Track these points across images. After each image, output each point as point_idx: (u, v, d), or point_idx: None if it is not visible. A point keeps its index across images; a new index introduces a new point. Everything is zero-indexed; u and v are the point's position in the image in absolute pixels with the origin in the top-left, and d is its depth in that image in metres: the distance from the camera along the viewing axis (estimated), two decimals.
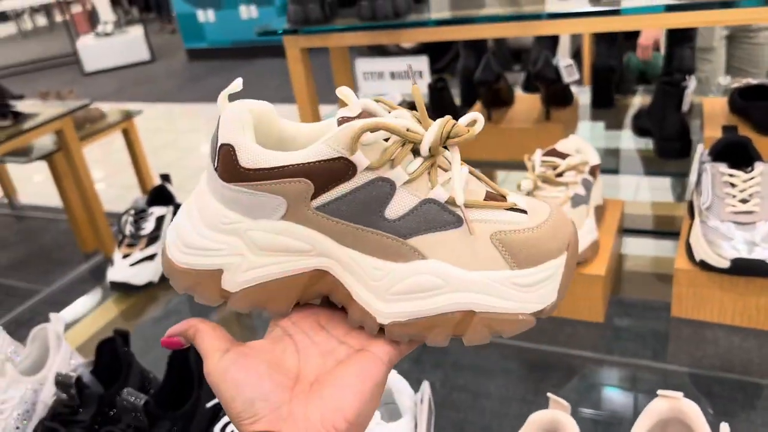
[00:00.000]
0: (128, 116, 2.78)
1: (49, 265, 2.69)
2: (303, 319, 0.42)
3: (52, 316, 0.88)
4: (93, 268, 2.58)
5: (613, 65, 1.56)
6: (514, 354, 0.95)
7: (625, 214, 1.13)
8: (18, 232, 3.08)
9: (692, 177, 0.95)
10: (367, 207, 0.38)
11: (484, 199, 0.40)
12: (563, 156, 0.96)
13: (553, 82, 1.39)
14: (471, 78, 1.58)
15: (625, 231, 1.14)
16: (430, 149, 0.38)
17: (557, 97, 1.44)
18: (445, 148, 0.39)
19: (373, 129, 0.37)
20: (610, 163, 1.41)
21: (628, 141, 1.53)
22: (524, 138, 1.40)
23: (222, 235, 0.40)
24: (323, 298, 0.43)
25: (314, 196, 0.38)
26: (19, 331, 1.30)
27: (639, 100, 1.69)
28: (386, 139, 0.38)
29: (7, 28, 10.27)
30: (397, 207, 0.38)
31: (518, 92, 1.64)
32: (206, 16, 6.19)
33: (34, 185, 3.63)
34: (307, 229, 0.39)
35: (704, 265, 0.85)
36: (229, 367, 0.38)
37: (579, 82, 1.74)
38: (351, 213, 0.38)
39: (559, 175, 0.94)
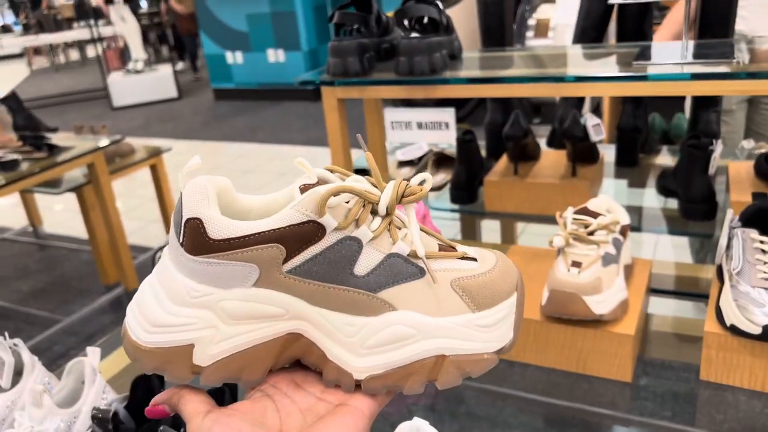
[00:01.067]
0: (157, 153, 2.85)
1: (69, 295, 2.73)
2: (280, 381, 0.42)
3: (89, 350, 0.90)
4: (113, 300, 2.62)
5: (639, 125, 1.59)
6: (530, 407, 0.95)
7: (652, 273, 1.14)
8: (40, 261, 3.13)
9: (722, 241, 0.96)
10: (337, 265, 0.40)
11: (438, 251, 0.43)
12: (595, 215, 0.98)
13: (580, 139, 1.42)
14: (498, 131, 1.61)
15: (652, 290, 1.15)
16: (387, 208, 0.41)
17: (584, 154, 1.47)
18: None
19: (338, 192, 0.39)
20: (633, 220, 1.42)
21: (651, 199, 1.55)
22: (550, 193, 1.43)
23: (191, 309, 0.40)
24: (296, 362, 0.44)
25: (285, 260, 0.39)
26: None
27: (662, 160, 1.71)
28: (347, 202, 0.40)
29: (41, 62, 10.60)
30: (365, 263, 0.40)
31: (543, 147, 1.67)
32: (234, 57, 6.37)
33: (57, 215, 3.69)
34: (279, 294, 0.40)
35: (735, 330, 0.85)
36: (213, 427, 0.38)
37: (601, 141, 1.77)
38: (322, 273, 0.40)
39: (591, 233, 0.96)
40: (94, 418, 0.77)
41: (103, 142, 2.41)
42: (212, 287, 0.40)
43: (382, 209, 0.41)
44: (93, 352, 0.89)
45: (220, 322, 0.40)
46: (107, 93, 6.71)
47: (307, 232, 0.39)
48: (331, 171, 0.42)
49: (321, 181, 0.41)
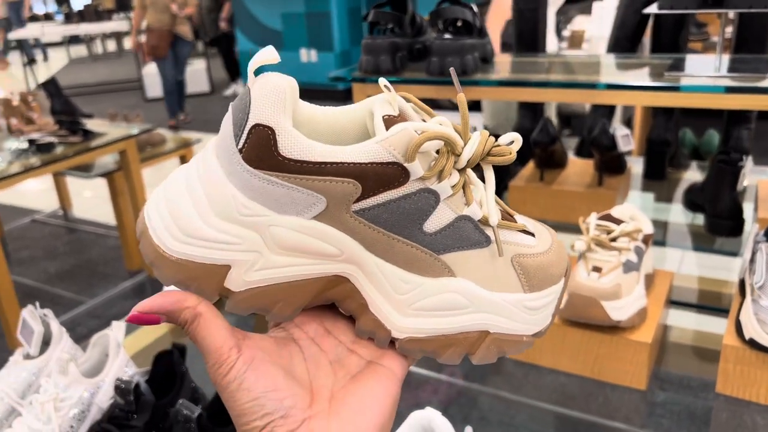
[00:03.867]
0: (187, 144, 2.90)
1: (94, 279, 2.79)
2: (306, 322, 0.39)
3: (114, 324, 0.92)
4: (136, 286, 2.66)
5: (669, 139, 1.58)
6: (543, 416, 0.95)
7: (674, 286, 1.13)
8: (68, 243, 3.20)
9: (746, 255, 0.96)
10: (409, 217, 0.36)
11: (501, 219, 0.39)
12: (618, 222, 0.98)
13: (608, 149, 1.41)
14: (526, 138, 1.62)
15: (672, 302, 1.14)
16: (468, 162, 0.36)
17: (611, 164, 1.47)
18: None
19: (433, 138, 0.35)
20: (658, 235, 1.42)
21: (677, 214, 1.54)
22: (575, 201, 1.42)
23: (238, 228, 0.35)
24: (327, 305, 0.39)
25: (358, 200, 0.35)
26: None
27: (691, 176, 1.70)
28: (436, 152, 0.36)
29: (79, 51, 10.83)
30: (436, 221, 0.36)
31: (571, 156, 1.67)
32: None
33: (87, 200, 3.76)
34: (339, 233, 0.36)
35: (754, 344, 0.85)
36: (247, 375, 0.34)
37: (629, 153, 1.77)
38: (391, 221, 0.36)
39: (613, 240, 0.96)
40: (116, 388, 0.80)
41: (136, 130, 2.46)
42: (267, 209, 0.34)
43: (462, 162, 0.36)
44: (117, 326, 0.91)
45: (266, 248, 0.35)
46: (141, 84, 6.83)
47: (390, 174, 0.34)
48: (406, 100, 0.38)
49: (401, 116, 0.36)
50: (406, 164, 0.34)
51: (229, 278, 0.35)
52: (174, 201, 0.35)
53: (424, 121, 0.37)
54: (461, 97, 0.36)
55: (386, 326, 0.38)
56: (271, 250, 0.35)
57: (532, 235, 0.40)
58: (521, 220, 0.41)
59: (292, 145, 0.33)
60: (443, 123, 0.36)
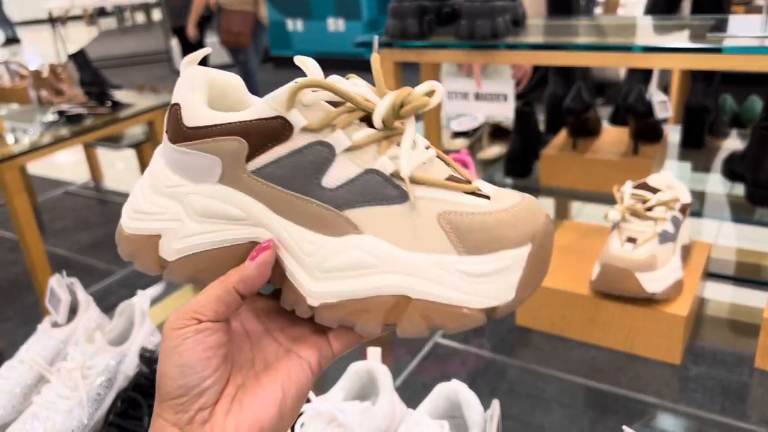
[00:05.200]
0: None
1: None
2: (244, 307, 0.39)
3: (140, 293, 0.92)
4: None
5: (708, 105, 1.51)
6: (573, 389, 0.93)
7: (711, 257, 1.09)
8: (100, 215, 3.24)
9: None
10: (303, 172, 0.35)
11: (450, 180, 0.36)
12: (654, 190, 0.94)
13: (644, 116, 1.36)
14: (558, 105, 1.57)
15: (709, 275, 1.10)
16: (384, 121, 0.35)
17: (647, 132, 1.41)
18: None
19: (313, 86, 0.35)
20: (695, 205, 1.37)
21: (715, 184, 1.48)
22: (609, 170, 1.38)
23: (163, 199, 0.38)
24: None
25: (249, 158, 0.36)
26: None
27: (731, 144, 1.63)
28: (335, 105, 0.36)
29: (108, 23, 10.90)
30: (336, 175, 0.35)
31: (605, 125, 1.62)
32: (295, 25, 6.39)
33: (118, 173, 3.81)
34: (241, 194, 0.37)
35: None
36: (189, 342, 0.34)
37: (666, 120, 1.70)
38: (286, 178, 0.36)
39: (649, 209, 0.92)
40: (141, 357, 0.80)
41: (164, 100, 2.46)
42: (184, 179, 0.38)
43: (376, 120, 0.35)
44: (143, 295, 0.91)
45: (186, 216, 0.38)
46: (169, 56, 6.84)
47: (273, 128, 0.35)
48: (322, 86, 0.36)
49: (326, 86, 0.36)
50: (286, 116, 0.35)
51: (161, 248, 0.38)
52: (134, 189, 0.40)
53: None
54: (374, 57, 0.37)
55: (302, 293, 0.36)
56: (190, 218, 0.38)
57: (487, 197, 0.36)
58: (483, 184, 0.37)
59: (192, 115, 0.37)
60: (356, 85, 0.37)
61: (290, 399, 0.36)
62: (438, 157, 0.37)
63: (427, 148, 0.37)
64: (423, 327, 0.34)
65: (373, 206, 0.35)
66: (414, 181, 0.35)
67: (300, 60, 0.37)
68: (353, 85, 0.37)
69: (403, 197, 0.35)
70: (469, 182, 0.36)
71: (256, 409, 0.35)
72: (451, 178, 0.36)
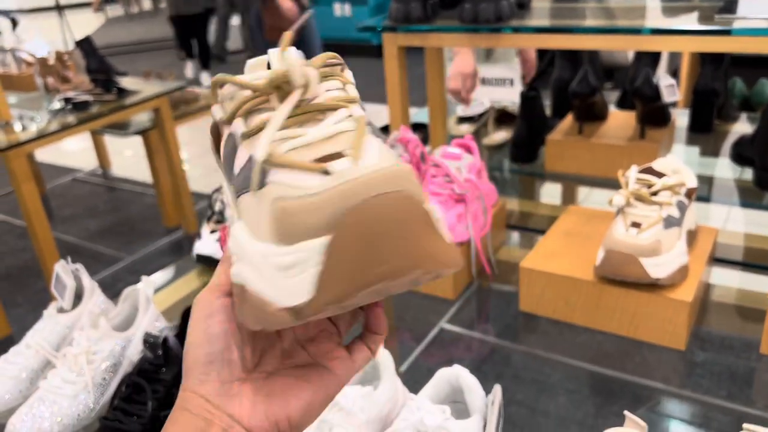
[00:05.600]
0: None
1: (133, 236, 2.84)
2: None
3: (144, 278, 0.93)
4: (173, 243, 2.71)
5: (717, 89, 1.49)
6: (579, 375, 0.93)
7: (718, 243, 1.08)
8: (108, 201, 3.26)
9: None
10: (227, 161, 0.37)
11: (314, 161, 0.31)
12: (660, 175, 0.93)
13: (651, 100, 1.35)
14: (564, 90, 1.55)
15: (716, 260, 1.09)
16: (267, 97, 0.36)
17: (654, 116, 1.40)
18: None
19: (221, 82, 0.37)
20: (702, 190, 1.35)
21: (723, 169, 1.47)
22: (616, 155, 1.37)
23: None
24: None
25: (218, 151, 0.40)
26: None
27: (740, 128, 1.61)
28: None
29: (115, 10, 10.88)
30: (238, 163, 0.35)
31: (612, 109, 1.60)
32: None
33: (126, 159, 3.82)
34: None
35: None
36: (216, 314, 0.35)
37: (674, 104, 1.69)
38: (226, 170, 0.38)
39: (654, 194, 0.91)
40: (146, 342, 0.80)
41: (169, 87, 2.46)
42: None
43: (273, 101, 0.35)
44: (147, 281, 0.92)
45: None
46: (176, 43, 6.83)
47: (215, 125, 0.40)
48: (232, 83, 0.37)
49: (228, 80, 0.37)
50: (212, 110, 0.39)
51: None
52: None
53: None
54: (285, 35, 0.37)
55: None
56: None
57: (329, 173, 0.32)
58: (367, 159, 0.32)
59: None
60: (259, 76, 0.36)
61: (317, 400, 0.37)
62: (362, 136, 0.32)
63: (339, 123, 0.34)
64: (251, 319, 0.32)
65: (246, 192, 0.33)
66: (268, 163, 0.32)
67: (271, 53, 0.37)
68: (258, 77, 0.36)
69: (261, 183, 0.32)
70: (342, 156, 0.31)
71: (286, 398, 0.36)
72: (323, 158, 0.31)
